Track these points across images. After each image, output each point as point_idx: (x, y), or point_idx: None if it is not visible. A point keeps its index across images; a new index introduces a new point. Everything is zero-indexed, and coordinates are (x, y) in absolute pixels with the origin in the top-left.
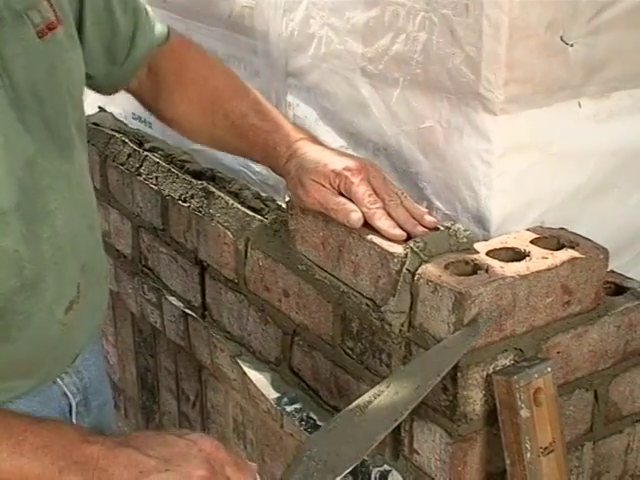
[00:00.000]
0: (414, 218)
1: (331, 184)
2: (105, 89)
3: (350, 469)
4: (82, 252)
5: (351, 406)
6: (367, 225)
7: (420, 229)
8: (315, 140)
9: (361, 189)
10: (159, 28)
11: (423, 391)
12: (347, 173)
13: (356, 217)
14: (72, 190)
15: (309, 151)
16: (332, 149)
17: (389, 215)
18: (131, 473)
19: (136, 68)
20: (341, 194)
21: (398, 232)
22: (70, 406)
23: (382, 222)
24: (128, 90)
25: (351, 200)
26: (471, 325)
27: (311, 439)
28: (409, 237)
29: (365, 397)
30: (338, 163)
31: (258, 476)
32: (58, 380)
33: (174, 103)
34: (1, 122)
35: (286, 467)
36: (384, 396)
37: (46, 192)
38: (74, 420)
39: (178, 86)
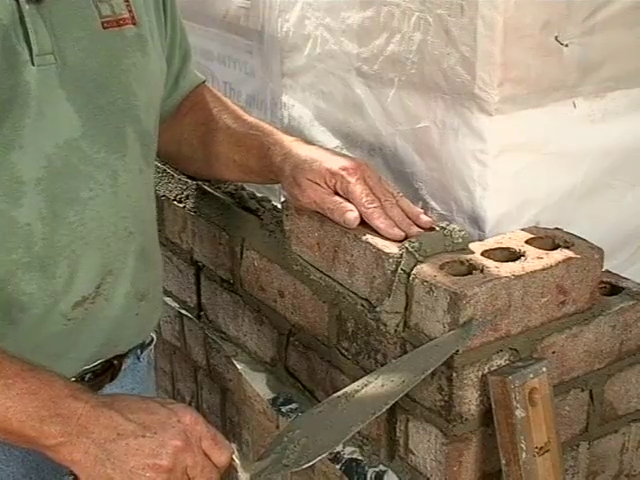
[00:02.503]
0: (409, 218)
1: (327, 183)
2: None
3: (324, 455)
4: (112, 254)
5: (339, 393)
6: (362, 225)
7: (415, 229)
8: (309, 143)
9: (358, 189)
10: (199, 76)
11: (407, 387)
12: (343, 173)
13: (352, 216)
14: (116, 187)
15: (303, 150)
16: (326, 149)
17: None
18: (109, 434)
19: (174, 108)
20: (337, 194)
21: (396, 232)
22: None
23: (380, 221)
24: None
25: (347, 200)
26: (465, 326)
27: (294, 422)
28: (405, 237)
29: (353, 386)
30: (334, 162)
31: (235, 455)
32: None
33: (181, 130)
34: (49, 98)
35: (267, 446)
36: (370, 387)
37: (81, 179)
38: None
39: (184, 112)
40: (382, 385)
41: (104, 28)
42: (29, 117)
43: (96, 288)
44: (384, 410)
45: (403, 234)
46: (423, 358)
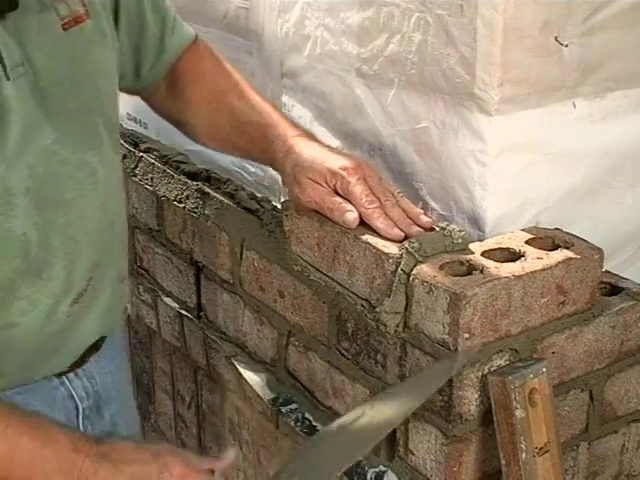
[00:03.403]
0: (410, 218)
1: (327, 183)
2: (135, 90)
3: None
4: (98, 247)
5: (334, 424)
6: (362, 225)
7: (415, 229)
8: (313, 137)
9: (358, 189)
10: (188, 33)
11: (391, 426)
12: (344, 172)
13: (352, 217)
14: (97, 183)
15: (305, 148)
16: (328, 147)
17: (385, 215)
18: None
19: (164, 72)
20: (337, 193)
21: (396, 232)
22: (77, 410)
23: (380, 222)
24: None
25: (347, 200)
26: (451, 358)
27: (292, 456)
28: (405, 237)
29: (349, 416)
30: (334, 162)
31: None
32: (66, 381)
33: (184, 103)
34: (21, 108)
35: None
36: (365, 418)
37: (64, 181)
38: (81, 425)
39: (190, 85)
40: (377, 414)
41: (65, 30)
42: (11, 130)
43: (88, 281)
44: (369, 449)
45: (403, 234)
46: (417, 387)
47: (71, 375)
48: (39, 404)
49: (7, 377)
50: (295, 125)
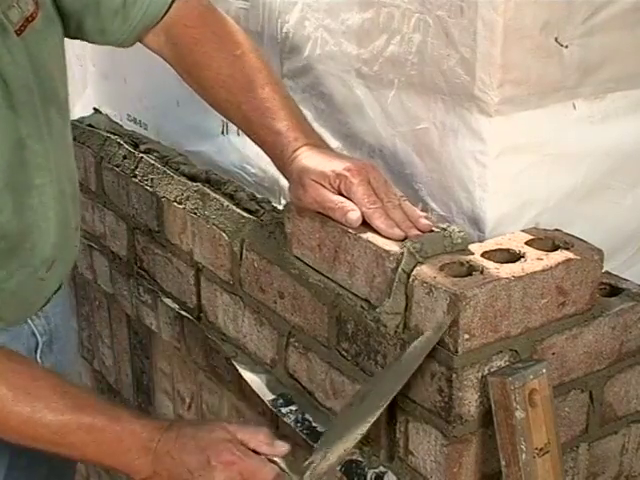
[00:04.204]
0: (410, 221)
1: (331, 184)
2: (109, 44)
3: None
4: (64, 216)
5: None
6: (363, 225)
7: (414, 232)
8: (321, 143)
9: (361, 189)
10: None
11: (397, 386)
12: (347, 174)
13: (355, 216)
14: (59, 165)
15: (311, 154)
16: (334, 152)
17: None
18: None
19: (134, 37)
20: (340, 194)
21: (397, 232)
22: (37, 344)
23: (381, 221)
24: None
25: (350, 200)
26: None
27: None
28: (405, 238)
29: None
30: (338, 164)
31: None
32: (29, 321)
33: (197, 84)
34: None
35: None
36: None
37: (34, 169)
38: (38, 357)
39: (193, 68)
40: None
41: (18, 35)
42: None
43: (56, 247)
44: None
45: (403, 234)
46: (407, 360)
47: (34, 316)
48: (7, 339)
49: None
50: (305, 128)
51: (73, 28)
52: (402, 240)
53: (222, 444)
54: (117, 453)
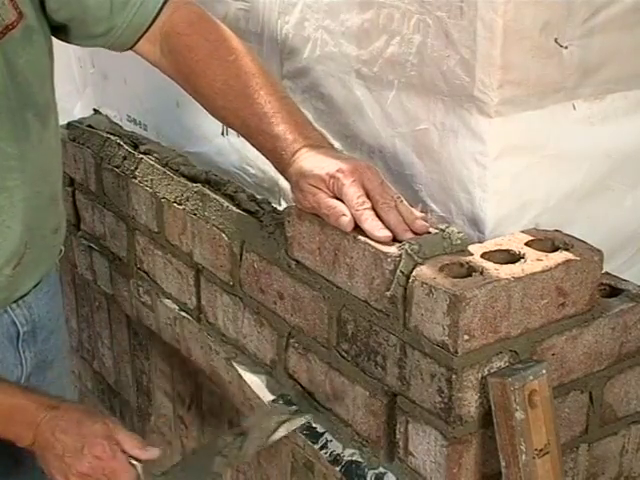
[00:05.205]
0: (406, 223)
1: (327, 187)
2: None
3: None
4: (36, 217)
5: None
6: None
7: (409, 235)
8: (322, 141)
9: (351, 190)
10: (148, 8)
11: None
12: (339, 175)
13: (346, 220)
14: (35, 167)
15: (309, 156)
16: (334, 151)
17: (380, 217)
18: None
19: (123, 43)
20: (336, 197)
21: (383, 234)
22: (18, 334)
23: (368, 223)
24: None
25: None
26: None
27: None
28: (397, 240)
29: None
30: (333, 166)
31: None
32: (9, 310)
33: (194, 92)
34: None
35: None
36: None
37: (6, 171)
38: (20, 347)
39: (189, 76)
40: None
41: None
42: None
43: (25, 245)
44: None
45: (391, 236)
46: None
47: (14, 305)
48: None
49: None
50: (304, 129)
51: (64, 36)
52: (392, 242)
53: (99, 438)
54: (9, 424)
